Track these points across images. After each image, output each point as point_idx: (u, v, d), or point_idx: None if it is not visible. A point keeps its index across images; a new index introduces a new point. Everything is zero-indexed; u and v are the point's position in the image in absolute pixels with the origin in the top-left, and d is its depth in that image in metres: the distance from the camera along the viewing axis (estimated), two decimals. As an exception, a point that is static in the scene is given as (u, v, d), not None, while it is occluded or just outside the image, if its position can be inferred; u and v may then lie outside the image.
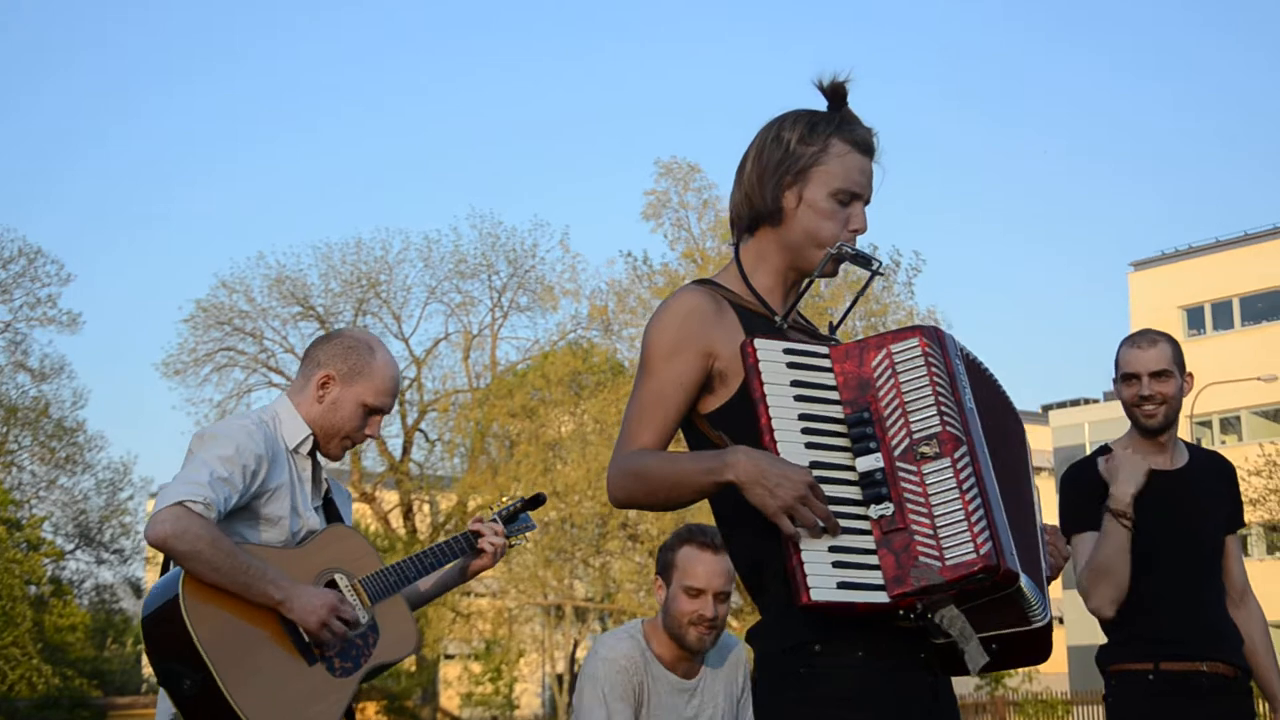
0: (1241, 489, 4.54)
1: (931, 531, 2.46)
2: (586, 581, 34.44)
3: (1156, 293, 40.56)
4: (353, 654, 3.62)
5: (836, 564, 2.44)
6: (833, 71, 2.70)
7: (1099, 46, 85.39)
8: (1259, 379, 34.43)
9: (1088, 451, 4.71)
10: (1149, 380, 4.27)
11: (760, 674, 2.63)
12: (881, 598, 2.44)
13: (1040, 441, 49.89)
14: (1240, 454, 31.40)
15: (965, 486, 2.48)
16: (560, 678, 37.70)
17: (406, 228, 59.30)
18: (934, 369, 2.55)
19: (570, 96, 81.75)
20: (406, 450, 37.03)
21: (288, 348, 36.65)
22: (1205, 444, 4.58)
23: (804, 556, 2.43)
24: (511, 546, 4.09)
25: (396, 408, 37.08)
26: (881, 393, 2.55)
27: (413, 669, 37.00)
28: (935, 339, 2.60)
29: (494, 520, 4.08)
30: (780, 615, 2.56)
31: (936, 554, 2.44)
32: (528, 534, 4.24)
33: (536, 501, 4.25)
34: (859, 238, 2.70)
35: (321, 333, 37.59)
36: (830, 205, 2.66)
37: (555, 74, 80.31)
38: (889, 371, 2.56)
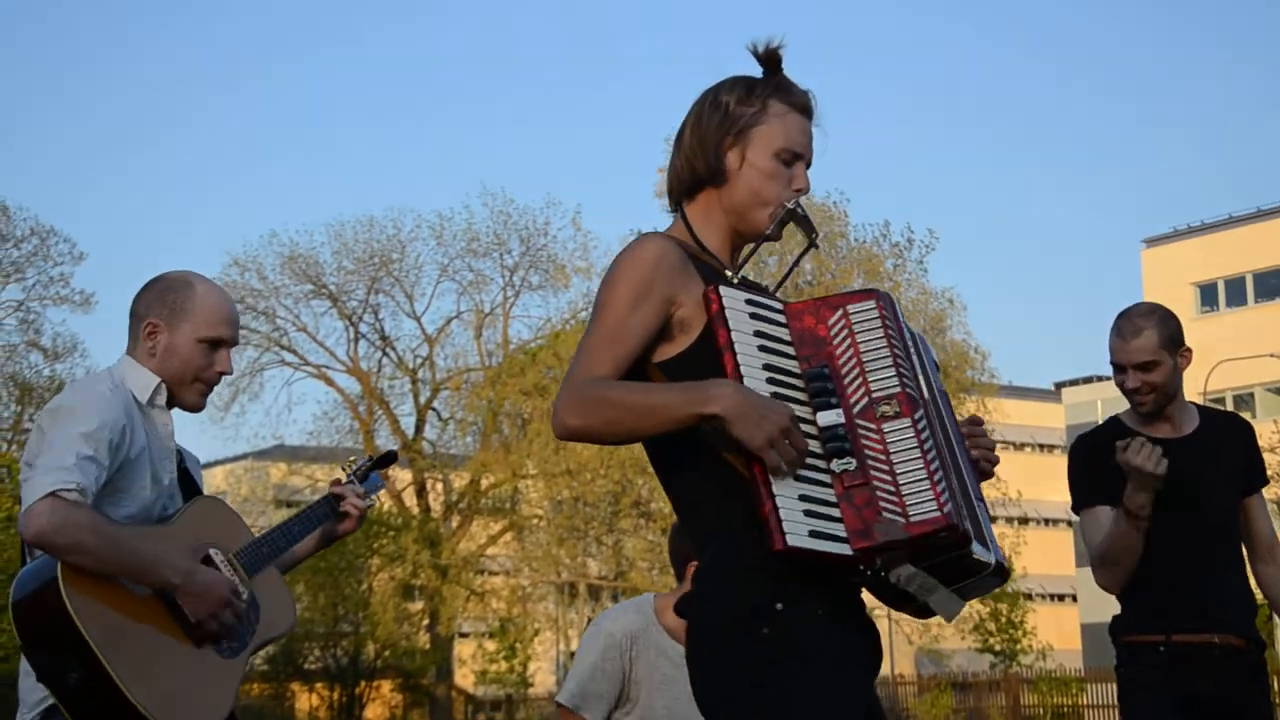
0: None
1: (894, 488, 2.45)
2: (600, 559, 34.49)
3: (1170, 269, 40.40)
4: (238, 632, 3.45)
5: (807, 512, 2.42)
6: (767, 38, 2.70)
7: (1094, 24, 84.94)
8: (1272, 355, 34.28)
9: (1101, 429, 4.62)
10: (1134, 373, 4.21)
11: (707, 644, 2.50)
12: (845, 549, 2.42)
13: (1053, 419, 49.81)
14: (1254, 431, 31.20)
15: (926, 447, 2.49)
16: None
17: (419, 206, 59.24)
18: (890, 331, 2.57)
19: (584, 75, 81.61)
20: (419, 429, 37.07)
21: (300, 326, 36.70)
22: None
23: (779, 501, 2.41)
24: (370, 507, 3.95)
25: (408, 385, 37.16)
26: (838, 352, 2.55)
27: (427, 647, 37.09)
28: (889, 303, 2.61)
29: (350, 481, 3.95)
30: (727, 578, 2.49)
31: (900, 510, 2.43)
32: (380, 494, 4.11)
33: (388, 459, 4.14)
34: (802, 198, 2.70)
35: (334, 312, 37.67)
36: (773, 165, 2.66)
37: (568, 53, 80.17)
38: (845, 331, 2.57)
